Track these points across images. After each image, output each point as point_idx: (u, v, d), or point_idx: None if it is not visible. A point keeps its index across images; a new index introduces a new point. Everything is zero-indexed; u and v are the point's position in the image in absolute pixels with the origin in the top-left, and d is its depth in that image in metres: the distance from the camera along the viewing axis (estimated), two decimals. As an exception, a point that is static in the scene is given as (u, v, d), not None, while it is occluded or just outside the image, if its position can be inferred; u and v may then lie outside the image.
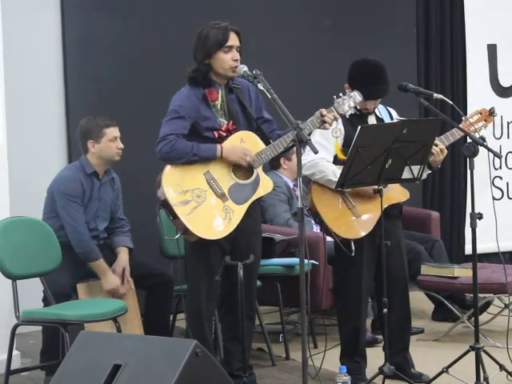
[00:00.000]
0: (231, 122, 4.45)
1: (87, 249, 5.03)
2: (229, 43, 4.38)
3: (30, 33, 6.41)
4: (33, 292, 5.01)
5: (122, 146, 5.23)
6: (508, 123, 8.13)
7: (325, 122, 4.30)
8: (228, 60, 4.38)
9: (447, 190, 7.95)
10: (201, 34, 4.42)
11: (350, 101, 4.38)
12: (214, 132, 4.42)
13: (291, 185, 6.24)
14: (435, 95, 4.56)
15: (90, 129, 5.23)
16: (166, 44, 6.72)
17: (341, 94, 4.39)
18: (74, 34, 6.54)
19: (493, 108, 4.85)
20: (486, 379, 4.33)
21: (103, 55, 6.61)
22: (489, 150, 4.35)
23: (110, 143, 5.21)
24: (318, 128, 4.34)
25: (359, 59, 4.70)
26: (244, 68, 4.35)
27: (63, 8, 6.53)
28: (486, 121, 4.81)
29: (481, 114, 4.82)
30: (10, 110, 5.59)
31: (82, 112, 5.82)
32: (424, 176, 4.73)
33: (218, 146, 4.36)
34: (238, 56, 4.40)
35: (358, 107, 4.59)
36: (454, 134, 4.73)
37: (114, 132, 5.22)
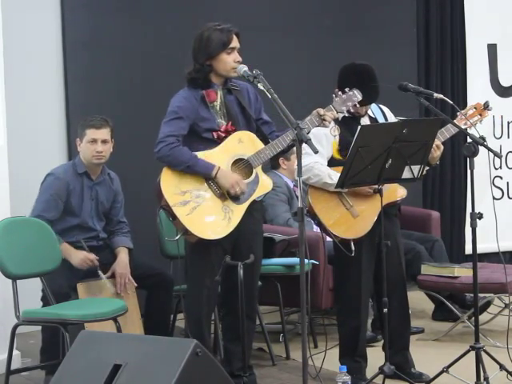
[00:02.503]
0: (230, 122, 4.45)
1: None
2: (232, 45, 4.41)
3: (30, 33, 6.41)
4: (33, 292, 5.01)
5: (100, 149, 5.03)
6: (508, 123, 8.13)
7: (324, 120, 4.33)
8: (230, 61, 4.40)
9: (447, 190, 7.95)
10: (202, 36, 4.43)
11: (349, 99, 4.40)
12: (213, 133, 4.42)
13: (291, 185, 6.24)
14: (435, 95, 4.55)
15: (79, 127, 5.17)
16: (166, 44, 6.72)
17: (340, 93, 4.41)
18: (74, 34, 6.54)
19: (487, 102, 4.83)
20: (486, 379, 4.33)
21: (103, 55, 6.61)
22: (489, 149, 4.34)
23: (87, 145, 5.06)
24: (318, 126, 4.36)
25: (348, 64, 4.67)
26: (244, 68, 4.36)
27: (63, 8, 6.54)
28: (480, 115, 4.80)
29: (476, 108, 4.81)
30: (10, 110, 5.59)
31: (82, 112, 5.82)
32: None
33: (216, 167, 4.36)
34: (239, 57, 4.43)
35: (352, 110, 4.58)
36: (449, 130, 4.71)
37: (93, 134, 5.04)
